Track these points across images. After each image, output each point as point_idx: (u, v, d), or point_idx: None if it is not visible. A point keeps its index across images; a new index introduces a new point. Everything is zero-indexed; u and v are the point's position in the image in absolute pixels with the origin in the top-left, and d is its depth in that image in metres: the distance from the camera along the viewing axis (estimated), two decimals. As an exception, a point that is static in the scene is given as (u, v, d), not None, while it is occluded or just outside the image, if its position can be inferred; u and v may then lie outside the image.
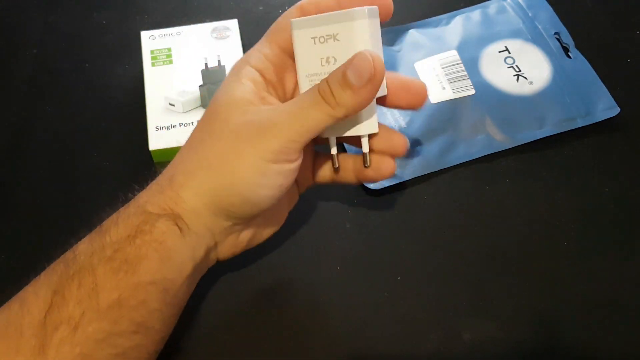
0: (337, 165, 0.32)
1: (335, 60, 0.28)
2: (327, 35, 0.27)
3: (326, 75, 0.27)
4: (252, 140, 0.27)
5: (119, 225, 0.27)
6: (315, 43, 0.28)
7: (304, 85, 0.29)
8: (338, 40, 0.27)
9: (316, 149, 0.34)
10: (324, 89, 0.26)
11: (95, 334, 0.25)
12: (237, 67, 0.29)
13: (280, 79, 0.30)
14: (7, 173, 0.39)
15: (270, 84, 0.29)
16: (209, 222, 0.28)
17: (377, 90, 0.27)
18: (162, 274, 0.27)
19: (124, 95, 0.42)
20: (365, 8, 0.27)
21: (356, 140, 0.31)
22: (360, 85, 0.26)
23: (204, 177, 0.27)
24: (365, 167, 0.31)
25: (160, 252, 0.27)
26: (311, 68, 0.28)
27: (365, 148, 0.30)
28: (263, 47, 0.29)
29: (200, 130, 0.29)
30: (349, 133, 0.30)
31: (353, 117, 0.28)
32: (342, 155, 0.32)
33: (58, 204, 0.38)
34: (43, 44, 0.45)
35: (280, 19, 0.30)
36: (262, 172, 0.27)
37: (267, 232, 0.33)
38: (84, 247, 0.27)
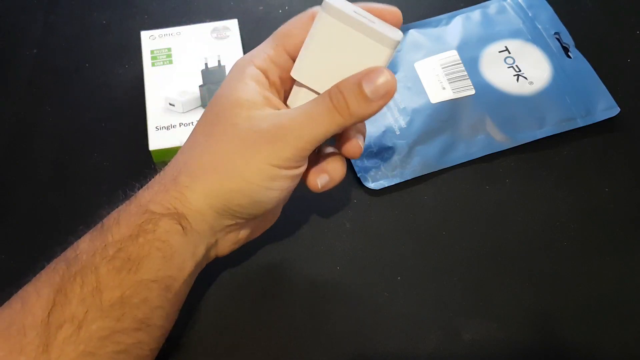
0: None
1: (346, 64, 0.27)
2: (352, 38, 0.27)
3: (329, 72, 0.27)
4: (262, 147, 0.27)
5: (120, 224, 0.27)
6: (336, 37, 0.27)
7: (304, 66, 0.28)
8: (359, 50, 0.27)
9: None
10: (338, 99, 0.26)
11: (99, 331, 0.25)
12: (241, 66, 0.29)
13: (284, 82, 0.30)
14: (7, 173, 0.39)
15: (274, 86, 0.29)
16: (212, 221, 0.28)
17: (382, 107, 0.27)
18: (164, 272, 0.27)
19: (124, 95, 0.42)
20: (398, 40, 0.27)
21: None
22: (376, 99, 0.26)
23: (210, 179, 0.27)
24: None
25: (163, 250, 0.27)
26: (319, 55, 0.28)
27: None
28: (268, 49, 0.29)
29: (203, 131, 0.28)
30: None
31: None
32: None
33: (58, 203, 0.38)
34: (43, 44, 0.45)
35: (288, 24, 0.29)
36: (272, 177, 0.27)
37: (264, 227, 0.33)
38: (85, 245, 0.27)
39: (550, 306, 0.34)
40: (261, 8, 0.47)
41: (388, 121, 0.40)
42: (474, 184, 0.39)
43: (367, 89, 0.26)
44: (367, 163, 0.39)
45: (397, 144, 0.39)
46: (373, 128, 0.40)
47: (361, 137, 0.31)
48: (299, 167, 0.28)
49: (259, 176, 0.27)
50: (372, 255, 0.36)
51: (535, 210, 0.38)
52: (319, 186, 0.31)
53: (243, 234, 0.31)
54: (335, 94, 0.26)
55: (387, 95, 0.27)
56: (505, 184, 0.39)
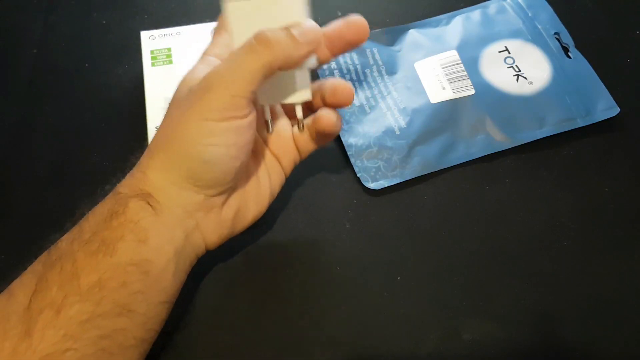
0: (270, 131, 0.33)
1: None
2: (264, 8, 0.28)
3: None
4: (194, 104, 0.27)
5: (96, 211, 0.28)
6: (251, 15, 0.28)
7: None
8: (277, 15, 0.28)
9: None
10: (259, 34, 0.27)
11: (78, 315, 0.25)
12: (200, 59, 0.30)
13: None
14: (7, 173, 0.39)
15: None
16: (179, 198, 0.28)
17: (311, 51, 0.28)
18: (140, 255, 0.27)
19: (124, 95, 0.42)
20: None
21: (291, 109, 0.33)
22: (304, 41, 0.27)
23: (163, 154, 0.28)
24: (300, 131, 0.33)
25: (136, 232, 0.27)
26: (245, 37, 0.28)
27: (300, 114, 0.32)
28: (218, 37, 0.31)
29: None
30: (284, 101, 0.31)
31: (288, 84, 0.30)
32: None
33: (58, 203, 0.38)
34: (43, 44, 0.45)
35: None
36: (211, 132, 0.27)
37: (251, 212, 0.32)
38: (65, 237, 0.28)
39: (550, 306, 0.34)
40: (261, 8, 0.47)
41: (388, 121, 0.40)
42: (474, 184, 0.39)
43: (295, 31, 0.27)
44: (367, 163, 0.39)
45: (397, 144, 0.39)
46: (373, 128, 0.40)
47: (334, 113, 0.32)
48: (239, 117, 0.27)
49: (198, 134, 0.27)
50: (372, 255, 0.36)
51: (535, 210, 0.38)
52: (324, 123, 0.32)
53: (226, 216, 0.31)
54: (258, 34, 0.27)
55: (315, 42, 0.28)
56: (505, 184, 0.39)
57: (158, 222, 0.28)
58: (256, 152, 0.33)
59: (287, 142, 0.34)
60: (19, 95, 0.42)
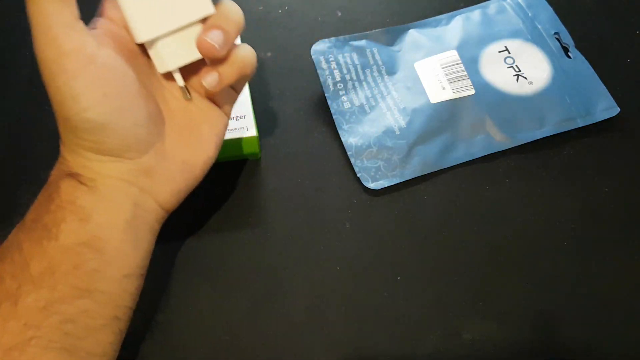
0: (189, 97, 0.30)
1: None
2: None
3: (164, 14, 0.27)
4: (46, 76, 0.26)
5: (37, 199, 0.28)
6: None
7: (136, 18, 0.28)
8: None
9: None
10: None
11: (36, 303, 0.25)
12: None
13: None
14: (7, 173, 0.39)
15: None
16: (107, 171, 0.27)
17: None
18: (87, 234, 0.26)
19: (124, 95, 0.42)
20: None
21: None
22: None
23: (61, 133, 0.28)
24: (187, 99, 0.30)
25: (76, 212, 0.26)
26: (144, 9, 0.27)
27: (180, 82, 0.29)
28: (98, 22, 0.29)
29: None
30: (185, 62, 0.29)
31: (183, 43, 0.28)
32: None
33: (58, 204, 0.38)
34: (43, 44, 0.45)
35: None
36: (70, 98, 0.26)
37: (199, 160, 0.31)
38: (13, 230, 0.27)
39: (550, 306, 0.34)
40: (261, 8, 0.47)
41: (388, 121, 0.40)
42: (474, 184, 0.39)
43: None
44: (367, 163, 0.39)
45: (397, 144, 0.39)
46: (373, 128, 0.40)
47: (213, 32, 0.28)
48: (74, 50, 0.25)
49: (63, 98, 0.26)
50: (372, 255, 0.36)
51: (535, 210, 0.38)
52: (204, 84, 0.29)
53: (171, 172, 0.29)
54: None
55: None
56: (505, 184, 0.39)
57: (96, 198, 0.27)
58: (173, 93, 0.31)
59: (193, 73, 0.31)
60: (19, 95, 0.42)
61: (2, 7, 0.47)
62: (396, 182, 0.38)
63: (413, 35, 0.44)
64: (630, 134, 0.41)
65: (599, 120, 0.40)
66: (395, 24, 0.45)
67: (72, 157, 0.28)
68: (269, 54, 0.44)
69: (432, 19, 0.45)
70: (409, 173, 0.39)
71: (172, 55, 0.29)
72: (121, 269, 0.27)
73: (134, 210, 0.28)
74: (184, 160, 0.30)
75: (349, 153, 0.39)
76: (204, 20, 0.28)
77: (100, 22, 0.28)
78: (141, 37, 0.28)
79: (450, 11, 0.46)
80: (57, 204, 0.26)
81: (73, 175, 0.27)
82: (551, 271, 0.35)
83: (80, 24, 0.26)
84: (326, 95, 0.41)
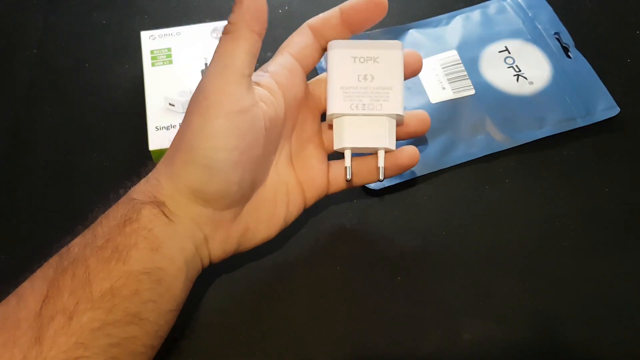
0: (349, 178, 0.33)
1: (372, 77, 0.32)
2: (367, 57, 0.32)
3: (363, 90, 0.31)
4: (198, 104, 0.27)
5: (109, 216, 0.28)
6: (354, 62, 0.32)
7: (337, 95, 0.32)
8: (377, 62, 0.32)
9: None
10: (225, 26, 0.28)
11: (90, 323, 0.25)
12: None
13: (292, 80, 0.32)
14: (7, 173, 0.39)
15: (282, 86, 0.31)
16: (189, 209, 0.28)
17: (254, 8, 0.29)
18: (153, 264, 0.27)
19: (124, 95, 0.42)
20: (400, 42, 0.32)
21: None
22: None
23: (172, 159, 0.28)
24: (380, 180, 0.33)
25: (150, 240, 0.27)
26: (347, 82, 0.32)
27: (381, 162, 0.32)
28: (279, 57, 0.32)
29: None
30: (365, 145, 0.32)
31: (369, 130, 0.31)
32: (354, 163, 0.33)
33: (58, 203, 0.38)
34: (43, 44, 0.45)
35: (290, 38, 0.33)
36: (212, 133, 0.27)
37: (260, 234, 0.32)
38: (77, 240, 0.27)
39: (550, 306, 0.34)
40: (261, 8, 0.47)
41: (388, 121, 0.40)
42: (474, 184, 0.39)
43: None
44: (367, 163, 0.39)
45: (397, 144, 0.39)
46: (373, 128, 0.40)
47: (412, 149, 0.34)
48: (238, 110, 0.27)
49: (200, 137, 0.27)
50: (372, 255, 0.36)
51: (535, 210, 0.38)
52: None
53: (233, 234, 0.31)
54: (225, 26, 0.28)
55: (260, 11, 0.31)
56: (505, 184, 0.39)
57: (171, 231, 0.27)
58: (278, 175, 0.32)
59: (318, 174, 0.33)
60: (19, 96, 0.42)
61: (2, 7, 0.47)
62: (396, 182, 0.38)
63: (413, 35, 0.44)
64: (630, 134, 0.41)
65: (599, 120, 0.40)
66: (395, 24, 0.45)
67: (168, 184, 0.28)
68: (269, 54, 0.43)
69: (432, 19, 0.45)
70: (409, 173, 0.38)
71: (353, 135, 0.32)
72: (170, 303, 0.28)
73: (194, 252, 0.29)
74: (249, 227, 0.31)
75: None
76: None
77: (267, 80, 0.30)
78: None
79: (450, 11, 0.46)
80: (133, 229, 0.27)
81: (158, 204, 0.27)
82: (551, 271, 0.35)
83: (250, 76, 0.28)
84: (326, 95, 0.41)
